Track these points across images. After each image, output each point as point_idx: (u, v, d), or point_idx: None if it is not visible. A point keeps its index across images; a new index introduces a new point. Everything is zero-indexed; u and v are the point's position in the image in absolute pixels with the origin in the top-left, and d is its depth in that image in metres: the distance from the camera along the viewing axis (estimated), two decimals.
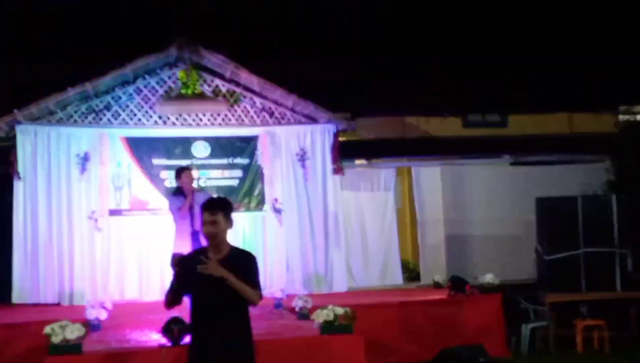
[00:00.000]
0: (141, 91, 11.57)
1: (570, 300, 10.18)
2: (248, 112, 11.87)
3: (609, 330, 9.89)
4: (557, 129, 14.16)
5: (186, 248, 8.49)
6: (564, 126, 14.32)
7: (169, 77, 11.66)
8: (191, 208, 8.88)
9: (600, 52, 14.89)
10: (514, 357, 9.57)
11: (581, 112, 14.30)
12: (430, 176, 12.96)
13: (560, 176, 12.91)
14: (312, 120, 11.93)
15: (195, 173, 9.60)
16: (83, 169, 11.16)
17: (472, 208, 13.00)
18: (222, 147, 11.66)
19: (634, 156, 12.42)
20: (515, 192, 12.79)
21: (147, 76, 11.59)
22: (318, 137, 11.86)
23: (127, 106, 11.52)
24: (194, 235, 8.74)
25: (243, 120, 11.82)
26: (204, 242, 8.40)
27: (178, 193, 9.25)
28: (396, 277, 12.71)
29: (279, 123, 11.90)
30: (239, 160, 11.68)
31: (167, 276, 11.19)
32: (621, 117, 14.14)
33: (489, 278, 9.97)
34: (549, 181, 12.71)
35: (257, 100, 11.86)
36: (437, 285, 11.29)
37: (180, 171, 9.33)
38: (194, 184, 9.55)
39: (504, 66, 14.77)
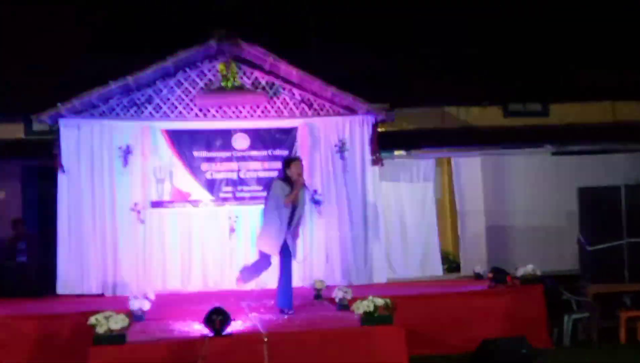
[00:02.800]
0: (182, 83, 11.68)
1: (614, 291, 10.06)
2: (287, 104, 11.90)
3: None
4: (600, 118, 13.94)
5: (277, 239, 8.58)
6: (606, 115, 14.08)
7: (209, 70, 11.73)
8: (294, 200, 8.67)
9: None
10: (556, 348, 9.48)
11: (624, 100, 14.06)
12: (470, 167, 12.87)
13: (603, 165, 12.72)
14: (351, 111, 11.92)
15: (302, 165, 9.05)
16: (125, 161, 11.30)
17: (513, 198, 12.88)
18: (262, 139, 11.71)
19: None
20: (557, 182, 12.64)
21: (187, 69, 11.68)
22: (357, 128, 11.84)
23: (168, 99, 11.63)
24: (289, 227, 8.67)
25: (282, 112, 11.86)
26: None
27: (286, 181, 8.87)
28: (436, 268, 12.67)
29: (318, 115, 11.91)
30: (278, 152, 11.72)
31: (208, 266, 11.36)
32: None
33: (530, 269, 9.87)
34: (591, 170, 12.53)
35: (296, 92, 11.89)
36: (477, 276, 11.23)
37: (290, 161, 8.96)
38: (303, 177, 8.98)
39: (546, 54, 14.60)
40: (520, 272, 9.92)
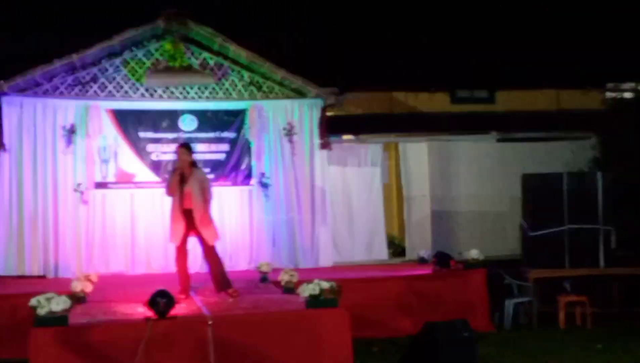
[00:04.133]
0: (128, 63, 11.50)
1: (554, 276, 10.26)
2: (236, 85, 11.81)
3: (591, 306, 9.99)
4: (545, 106, 14.19)
5: (178, 228, 8.47)
6: (551, 103, 14.34)
7: (156, 50, 11.57)
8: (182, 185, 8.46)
9: (589, 29, 14.90)
10: (497, 331, 9.66)
11: (569, 89, 14.32)
12: (417, 152, 12.97)
13: (547, 152, 12.95)
14: (301, 94, 11.90)
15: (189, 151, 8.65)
16: (69, 141, 11.10)
17: (459, 184, 13.03)
18: (209, 120, 11.62)
19: (619, 134, 12.46)
20: (502, 168, 12.82)
21: (134, 48, 11.50)
22: (306, 111, 11.83)
23: (114, 78, 11.45)
24: (185, 214, 8.48)
25: (231, 93, 11.77)
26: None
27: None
28: (382, 252, 12.76)
29: (267, 97, 11.86)
30: (226, 134, 11.65)
31: (153, 248, 11.26)
32: (608, 94, 14.15)
33: (473, 253, 10.03)
34: (535, 157, 12.75)
35: (245, 73, 11.81)
36: (422, 261, 11.36)
37: (177, 148, 8.80)
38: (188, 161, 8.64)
39: (492, 41, 14.75)
40: (463, 257, 10.08)
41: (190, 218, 8.46)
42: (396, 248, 13.19)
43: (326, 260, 11.74)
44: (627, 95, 14.01)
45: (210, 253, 8.63)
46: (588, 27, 14.90)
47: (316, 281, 7.25)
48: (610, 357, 8.13)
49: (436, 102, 14.04)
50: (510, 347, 8.73)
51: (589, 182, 10.60)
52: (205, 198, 8.56)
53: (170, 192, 8.58)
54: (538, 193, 10.60)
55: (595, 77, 14.23)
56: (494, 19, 15.23)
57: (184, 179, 8.50)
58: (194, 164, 8.71)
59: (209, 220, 8.59)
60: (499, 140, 13.25)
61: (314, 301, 7.16)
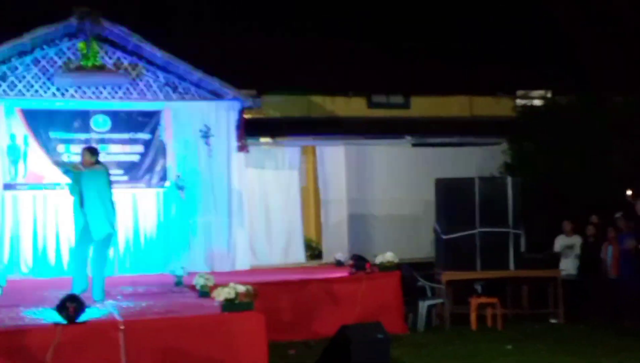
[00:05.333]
0: (39, 61, 11.18)
1: (466, 278, 10.48)
2: (151, 86, 11.64)
3: (501, 307, 10.26)
4: (458, 112, 14.52)
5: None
6: (464, 109, 14.68)
7: (69, 49, 11.29)
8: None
9: (501, 37, 15.32)
10: (411, 333, 9.81)
11: (481, 95, 14.69)
12: (334, 156, 13.07)
13: (460, 157, 13.26)
14: (218, 96, 11.81)
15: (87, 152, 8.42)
16: None
17: (375, 188, 13.19)
18: (123, 121, 11.43)
19: (529, 140, 12.86)
20: (417, 173, 13.05)
21: (45, 47, 11.20)
22: (223, 114, 11.75)
23: (24, 77, 11.11)
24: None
25: (145, 94, 11.59)
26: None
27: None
28: (299, 255, 12.79)
29: (183, 98, 11.73)
30: (140, 135, 11.47)
31: (64, 251, 10.96)
32: (518, 101, 14.60)
33: (388, 256, 10.14)
34: (449, 162, 13.03)
35: (161, 74, 11.65)
36: (338, 264, 11.42)
37: None
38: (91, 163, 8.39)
39: (408, 48, 14.99)
40: (379, 260, 10.18)
41: None
42: (313, 251, 13.24)
43: (243, 263, 11.69)
44: (537, 102, 14.49)
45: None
46: (499, 36, 15.32)
47: (232, 284, 7.19)
48: (519, 357, 8.35)
49: (353, 106, 14.18)
50: (423, 348, 8.88)
51: (499, 187, 10.82)
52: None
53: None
54: (451, 197, 10.78)
55: (506, 85, 14.66)
56: (410, 26, 15.48)
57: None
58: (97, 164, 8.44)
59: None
60: (414, 145, 13.48)
61: (229, 305, 7.10)
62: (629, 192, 11.54)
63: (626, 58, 14.24)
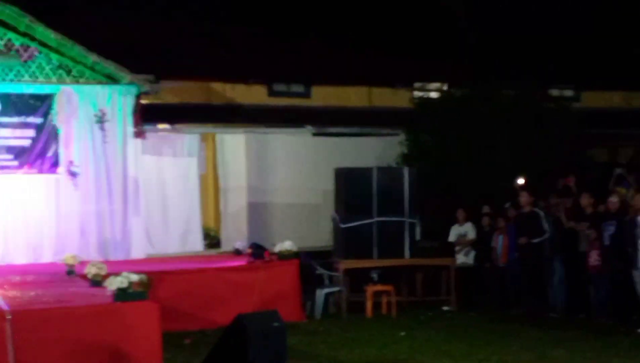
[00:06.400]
0: None
1: (363, 266, 10.62)
2: (43, 68, 11.22)
3: (396, 295, 10.46)
4: (358, 102, 14.67)
5: None
6: (363, 100, 14.85)
7: None
8: None
9: (400, 29, 15.54)
10: (308, 321, 9.87)
11: (380, 86, 14.87)
12: (234, 144, 12.96)
13: (359, 147, 13.38)
14: (113, 80, 11.50)
15: None
16: None
17: (275, 176, 13.16)
18: (14, 104, 11.00)
19: (426, 131, 13.11)
20: (317, 162, 13.10)
21: None
22: (119, 98, 11.45)
23: None
24: None
25: (37, 77, 11.17)
26: None
27: None
28: (197, 244, 12.63)
29: (77, 82, 11.36)
30: (31, 119, 11.08)
31: None
32: (416, 93, 14.86)
33: (287, 245, 10.18)
34: (348, 152, 13.13)
35: (54, 56, 11.24)
36: (237, 252, 11.35)
37: None
38: None
39: (309, 36, 15.01)
40: (277, 248, 10.21)
41: None
42: (212, 239, 13.12)
43: (138, 251, 11.46)
44: (433, 94, 14.79)
45: None
46: (399, 28, 15.53)
47: (125, 273, 7.04)
48: (412, 343, 8.53)
49: (253, 94, 14.11)
50: (320, 335, 8.97)
51: (396, 177, 11.03)
52: None
53: None
54: (349, 186, 10.90)
55: (404, 77, 14.89)
56: (311, 16, 15.49)
57: None
58: None
59: None
60: (314, 134, 13.53)
61: (122, 294, 6.95)
62: (521, 181, 11.88)
63: (518, 52, 14.74)
